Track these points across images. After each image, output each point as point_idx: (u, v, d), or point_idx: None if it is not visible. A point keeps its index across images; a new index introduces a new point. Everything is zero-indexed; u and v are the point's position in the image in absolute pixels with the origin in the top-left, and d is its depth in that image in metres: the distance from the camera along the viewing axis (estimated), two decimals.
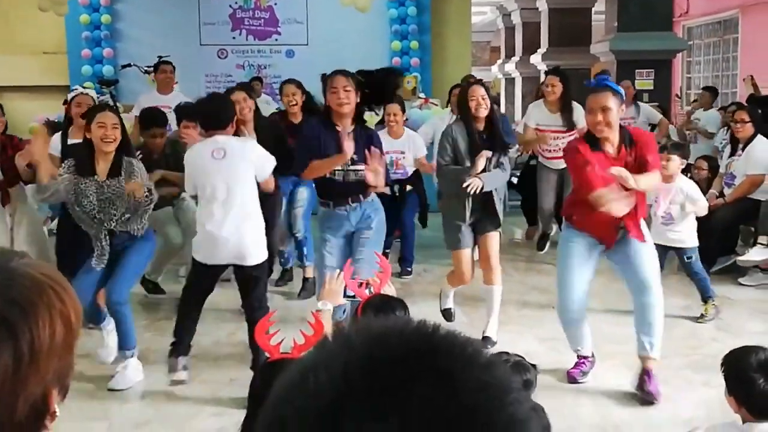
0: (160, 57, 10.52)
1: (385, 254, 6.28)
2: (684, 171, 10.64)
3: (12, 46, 12.28)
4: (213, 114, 4.98)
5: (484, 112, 5.27)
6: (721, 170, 7.61)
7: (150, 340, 5.61)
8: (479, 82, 5.65)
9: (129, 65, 11.08)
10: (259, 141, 5.42)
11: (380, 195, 5.25)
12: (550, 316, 6.11)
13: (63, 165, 4.92)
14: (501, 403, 0.68)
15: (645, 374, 4.59)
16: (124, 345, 4.96)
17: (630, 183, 4.31)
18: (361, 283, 3.59)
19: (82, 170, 4.81)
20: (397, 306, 3.35)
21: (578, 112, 8.06)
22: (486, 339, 5.45)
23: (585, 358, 4.94)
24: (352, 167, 4.90)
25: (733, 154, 7.50)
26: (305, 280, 6.83)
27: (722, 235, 7.14)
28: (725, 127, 9.26)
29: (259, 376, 2.61)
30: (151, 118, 6.42)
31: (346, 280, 3.51)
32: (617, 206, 4.38)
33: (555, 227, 7.98)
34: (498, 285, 5.55)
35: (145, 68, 10.84)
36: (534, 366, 2.90)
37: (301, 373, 0.69)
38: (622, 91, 4.65)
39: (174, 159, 6.04)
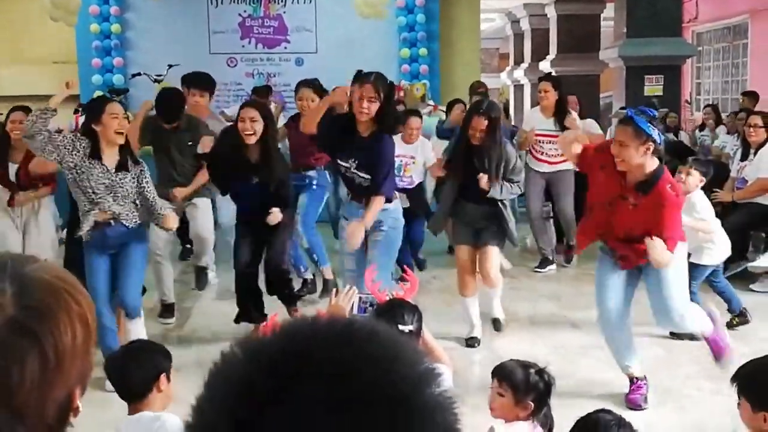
0: (170, 65, 10.59)
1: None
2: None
3: (22, 56, 12.35)
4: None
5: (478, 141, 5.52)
6: (733, 174, 7.57)
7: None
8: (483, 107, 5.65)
9: (139, 74, 11.11)
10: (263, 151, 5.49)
11: None
12: (561, 324, 6.11)
13: (75, 140, 4.92)
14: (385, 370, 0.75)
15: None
16: None
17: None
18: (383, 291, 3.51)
19: (93, 153, 4.87)
20: (405, 311, 3.17)
21: (588, 124, 8.08)
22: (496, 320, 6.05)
23: (639, 380, 4.73)
24: (355, 170, 4.94)
25: (744, 158, 7.47)
26: (326, 282, 6.86)
27: (733, 241, 7.11)
28: (736, 133, 9.22)
29: None
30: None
31: (368, 285, 3.49)
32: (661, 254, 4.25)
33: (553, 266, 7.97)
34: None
35: (155, 77, 10.88)
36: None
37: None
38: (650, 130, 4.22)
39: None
